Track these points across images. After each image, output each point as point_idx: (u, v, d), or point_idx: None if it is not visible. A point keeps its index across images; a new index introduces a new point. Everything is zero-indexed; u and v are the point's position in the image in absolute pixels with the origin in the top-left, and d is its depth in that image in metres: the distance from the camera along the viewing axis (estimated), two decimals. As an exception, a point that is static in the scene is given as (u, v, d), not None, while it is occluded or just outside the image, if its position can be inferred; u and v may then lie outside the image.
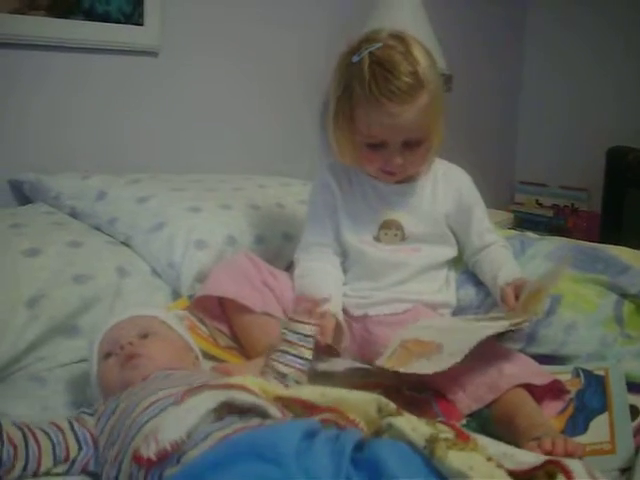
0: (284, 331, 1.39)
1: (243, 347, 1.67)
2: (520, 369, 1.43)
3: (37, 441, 1.16)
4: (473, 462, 0.91)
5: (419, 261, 1.69)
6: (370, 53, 1.55)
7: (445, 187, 1.73)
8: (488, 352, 1.47)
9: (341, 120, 1.62)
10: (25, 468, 1.14)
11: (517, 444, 1.24)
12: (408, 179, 1.71)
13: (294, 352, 1.36)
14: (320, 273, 1.68)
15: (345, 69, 1.59)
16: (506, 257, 1.74)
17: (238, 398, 1.07)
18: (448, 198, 1.72)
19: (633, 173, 3.52)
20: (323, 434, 0.97)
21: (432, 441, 0.94)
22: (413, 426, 0.99)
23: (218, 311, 1.69)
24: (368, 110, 1.55)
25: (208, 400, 1.07)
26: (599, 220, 3.77)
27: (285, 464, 0.89)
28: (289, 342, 1.37)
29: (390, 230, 1.69)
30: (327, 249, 1.73)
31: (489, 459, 0.94)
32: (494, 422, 1.37)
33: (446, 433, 0.95)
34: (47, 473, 1.17)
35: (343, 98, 1.60)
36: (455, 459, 0.92)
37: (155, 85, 2.43)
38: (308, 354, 1.37)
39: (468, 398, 1.41)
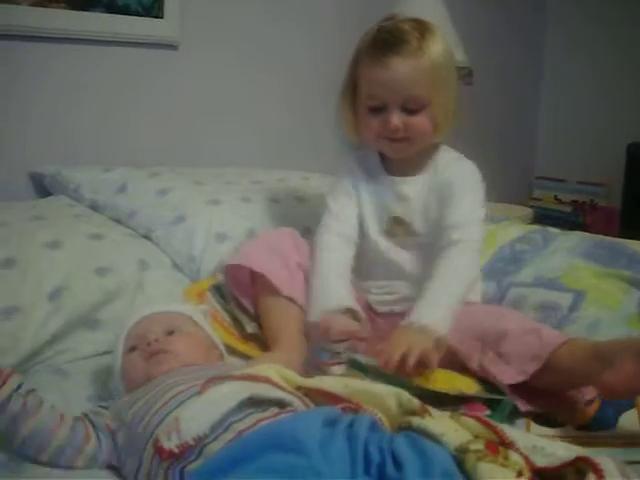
0: (317, 353, 1.35)
1: (261, 328, 1.65)
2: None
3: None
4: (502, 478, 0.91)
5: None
6: (381, 25, 1.61)
7: (440, 181, 1.64)
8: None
9: (347, 90, 1.65)
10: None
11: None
12: (416, 168, 1.66)
13: (327, 371, 1.33)
14: (332, 277, 1.62)
15: (357, 44, 1.63)
16: (452, 278, 1.55)
17: (262, 394, 1.07)
18: (438, 195, 1.64)
19: (654, 169, 3.50)
20: (343, 420, 0.96)
21: (462, 451, 0.93)
22: (442, 431, 0.98)
23: (248, 284, 1.67)
24: (369, 68, 1.58)
25: (232, 394, 1.06)
26: (618, 216, 3.75)
27: (308, 453, 0.88)
28: (322, 362, 1.34)
29: (400, 226, 1.66)
30: (346, 239, 1.68)
31: (519, 474, 0.92)
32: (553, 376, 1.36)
33: (476, 444, 0.94)
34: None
35: (351, 68, 1.64)
36: (484, 473, 0.90)
37: (175, 78, 2.42)
38: (339, 370, 1.34)
39: (513, 368, 1.38)
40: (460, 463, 0.92)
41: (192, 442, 1.01)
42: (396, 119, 1.57)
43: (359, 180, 1.71)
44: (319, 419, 0.94)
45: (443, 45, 1.59)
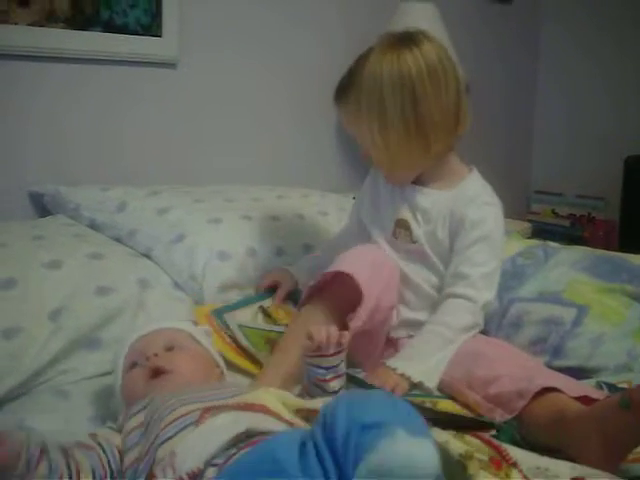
0: (310, 368, 1.31)
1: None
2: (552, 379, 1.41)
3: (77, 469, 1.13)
4: None
5: (427, 278, 1.65)
6: None
7: (461, 217, 1.60)
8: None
9: None
10: None
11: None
12: (433, 180, 1.65)
13: (326, 388, 1.31)
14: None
15: None
16: (445, 338, 1.54)
17: (258, 427, 1.05)
18: (451, 225, 1.62)
19: (652, 182, 3.51)
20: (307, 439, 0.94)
21: (466, 457, 0.93)
22: (446, 439, 0.98)
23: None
24: None
25: (228, 427, 1.03)
26: (616, 229, 3.75)
27: (288, 469, 0.84)
28: (319, 379, 1.31)
29: (402, 230, 1.65)
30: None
31: None
32: (537, 431, 1.34)
33: (480, 454, 0.94)
34: None
35: None
36: None
37: (174, 96, 2.43)
38: (338, 384, 1.32)
39: (500, 408, 1.39)
40: (463, 468, 0.92)
41: (186, 478, 0.99)
42: (361, 151, 1.66)
43: (380, 184, 1.72)
44: (297, 436, 0.92)
45: (409, 62, 1.52)
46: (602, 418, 1.20)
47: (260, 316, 1.79)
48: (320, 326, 1.31)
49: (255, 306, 1.82)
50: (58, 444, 1.14)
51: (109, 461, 1.16)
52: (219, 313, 1.72)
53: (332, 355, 1.29)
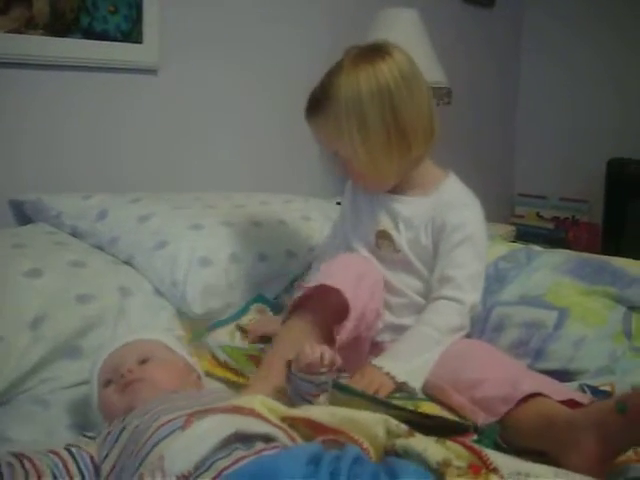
0: (297, 382, 1.29)
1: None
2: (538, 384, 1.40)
3: (35, 466, 1.11)
4: None
5: (413, 284, 1.65)
6: None
7: (442, 221, 1.61)
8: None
9: None
10: None
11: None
12: (412, 188, 1.66)
13: (313, 402, 1.28)
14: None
15: None
16: (429, 339, 1.55)
17: (247, 429, 1.04)
18: (433, 231, 1.63)
19: (634, 184, 3.53)
20: (326, 458, 0.93)
21: (444, 465, 0.93)
22: (425, 447, 0.97)
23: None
24: None
25: (216, 429, 1.03)
26: (600, 231, 3.77)
27: None
28: (307, 394, 1.29)
29: (385, 240, 1.66)
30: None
31: None
32: (522, 436, 1.33)
33: (459, 461, 0.94)
34: None
35: None
36: None
37: (155, 103, 2.42)
38: (325, 398, 1.30)
39: (484, 412, 1.38)
40: (441, 476, 0.91)
41: None
42: (337, 167, 1.68)
43: (359, 195, 1.73)
44: (303, 457, 0.92)
45: (385, 72, 1.55)
46: (599, 423, 1.20)
47: (238, 334, 1.80)
48: (315, 344, 1.30)
49: (232, 325, 1.82)
50: (14, 454, 1.12)
51: (78, 464, 1.15)
52: (198, 336, 1.74)
53: (324, 374, 1.29)
